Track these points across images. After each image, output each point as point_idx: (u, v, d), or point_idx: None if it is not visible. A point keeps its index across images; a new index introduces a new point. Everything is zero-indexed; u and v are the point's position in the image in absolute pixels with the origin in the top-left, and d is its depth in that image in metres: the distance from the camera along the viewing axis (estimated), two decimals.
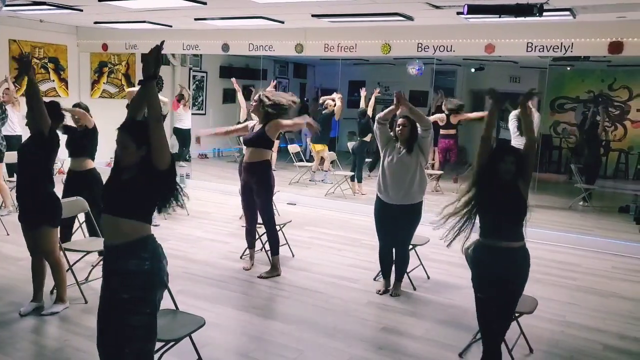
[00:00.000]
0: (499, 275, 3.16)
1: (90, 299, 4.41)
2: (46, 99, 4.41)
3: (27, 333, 3.88)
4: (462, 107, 10.08)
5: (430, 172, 10.12)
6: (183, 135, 11.95)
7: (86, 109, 5.45)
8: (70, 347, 3.69)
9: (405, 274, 5.00)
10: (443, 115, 10.06)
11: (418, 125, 4.65)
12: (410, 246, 5.11)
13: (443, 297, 4.90)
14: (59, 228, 4.25)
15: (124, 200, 2.70)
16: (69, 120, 5.13)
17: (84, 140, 5.22)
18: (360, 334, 4.09)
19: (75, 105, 5.39)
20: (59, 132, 4.49)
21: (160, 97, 8.17)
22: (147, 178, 2.69)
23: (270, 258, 5.33)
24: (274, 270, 5.27)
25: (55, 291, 4.32)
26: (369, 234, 6.64)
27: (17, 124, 8.08)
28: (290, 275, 5.34)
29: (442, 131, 10.00)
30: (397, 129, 4.66)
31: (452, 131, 10.00)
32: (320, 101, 10.51)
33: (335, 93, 10.34)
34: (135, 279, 2.64)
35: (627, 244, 6.72)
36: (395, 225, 4.74)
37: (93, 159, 5.33)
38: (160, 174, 2.69)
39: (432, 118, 10.13)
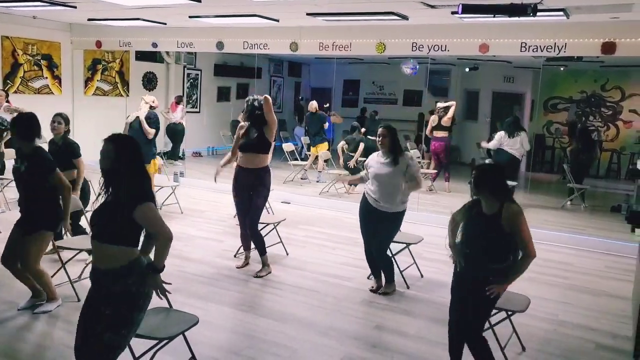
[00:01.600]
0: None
1: (83, 296, 4.36)
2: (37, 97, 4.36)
3: (20, 331, 3.86)
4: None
5: (425, 172, 10.16)
6: (175, 132, 11.92)
7: (67, 120, 5.32)
8: (63, 344, 3.67)
9: (400, 273, 5.01)
10: (435, 116, 10.08)
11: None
12: (404, 245, 5.13)
13: (436, 296, 4.92)
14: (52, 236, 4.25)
15: (110, 228, 2.73)
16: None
17: (67, 150, 5.15)
18: (353, 332, 4.10)
19: (56, 116, 5.28)
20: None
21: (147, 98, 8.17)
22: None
23: (260, 258, 5.33)
24: (267, 268, 5.28)
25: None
26: None
27: None
28: (284, 273, 5.34)
29: (434, 133, 10.01)
30: (378, 139, 4.71)
31: (444, 134, 9.98)
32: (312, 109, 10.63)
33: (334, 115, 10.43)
34: (120, 298, 2.71)
35: (619, 243, 6.76)
36: (376, 227, 4.78)
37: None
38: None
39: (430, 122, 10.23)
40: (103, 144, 2.78)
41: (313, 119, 10.52)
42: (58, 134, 5.23)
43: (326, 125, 10.56)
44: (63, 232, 4.63)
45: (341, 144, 9.87)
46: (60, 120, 5.23)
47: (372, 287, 4.94)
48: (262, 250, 5.32)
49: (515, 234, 3.15)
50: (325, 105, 14.34)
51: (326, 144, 10.36)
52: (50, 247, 4.52)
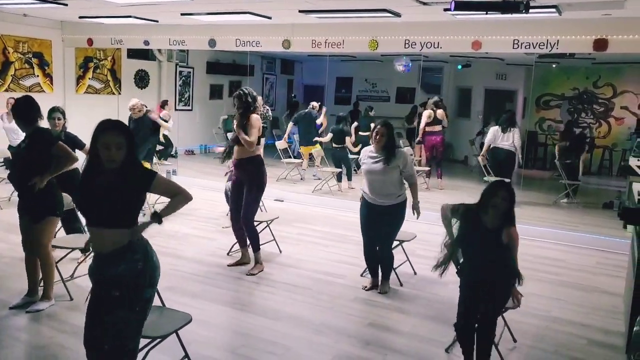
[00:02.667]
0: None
1: (76, 296, 4.38)
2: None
3: (13, 330, 3.84)
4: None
5: (418, 169, 10.17)
6: (166, 137, 11.84)
7: (64, 113, 5.31)
8: (56, 344, 3.66)
9: (393, 270, 5.01)
10: (429, 111, 10.09)
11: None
12: (397, 242, 5.13)
13: (429, 293, 4.93)
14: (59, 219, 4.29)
15: (108, 211, 2.66)
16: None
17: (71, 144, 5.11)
18: (347, 329, 4.10)
19: (53, 110, 5.26)
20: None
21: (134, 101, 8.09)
22: (129, 185, 2.66)
23: (253, 254, 5.32)
24: (259, 266, 5.27)
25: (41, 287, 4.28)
26: (356, 230, 6.63)
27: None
28: (277, 271, 5.34)
29: (427, 128, 10.02)
30: (374, 136, 4.63)
31: (438, 127, 10.01)
32: (312, 107, 10.56)
33: (324, 107, 10.36)
34: (127, 278, 2.65)
35: (611, 239, 6.80)
36: (380, 222, 4.76)
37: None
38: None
39: (423, 117, 10.25)
40: (109, 134, 2.63)
41: (305, 117, 10.46)
42: (58, 129, 5.20)
43: (319, 120, 10.51)
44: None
45: (328, 137, 9.84)
46: (59, 115, 5.27)
47: (366, 285, 4.94)
48: (256, 247, 5.31)
49: (510, 248, 3.37)
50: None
51: (317, 145, 10.29)
52: None
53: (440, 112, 10.00)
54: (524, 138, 12.51)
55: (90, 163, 2.73)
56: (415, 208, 4.82)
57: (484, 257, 3.38)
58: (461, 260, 3.65)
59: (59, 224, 4.67)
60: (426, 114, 10.18)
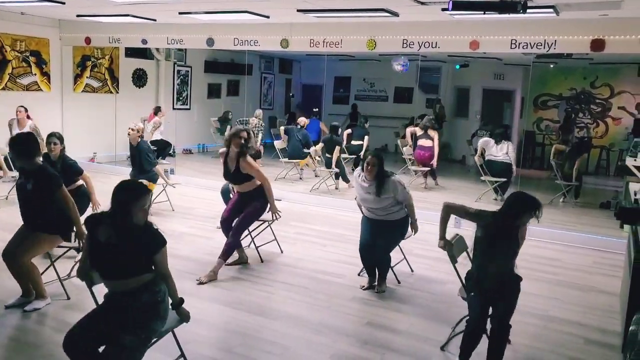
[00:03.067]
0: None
1: (72, 295, 4.37)
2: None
3: (9, 329, 3.83)
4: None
5: (416, 169, 10.18)
6: (161, 145, 11.83)
7: (61, 138, 5.34)
8: (52, 343, 3.65)
9: (390, 269, 5.02)
10: (412, 129, 10.36)
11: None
12: None
13: (426, 292, 4.94)
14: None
15: (130, 268, 2.85)
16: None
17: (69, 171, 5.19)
18: (345, 329, 4.10)
19: (50, 135, 5.25)
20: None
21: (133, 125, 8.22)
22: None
23: (216, 261, 5.08)
24: (212, 275, 4.97)
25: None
26: (354, 230, 6.65)
27: None
28: (275, 270, 5.34)
29: (418, 142, 10.02)
30: (366, 166, 4.68)
31: (428, 143, 9.92)
32: (301, 123, 10.69)
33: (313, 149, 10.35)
34: (145, 305, 2.80)
35: (608, 239, 6.82)
36: (380, 233, 4.80)
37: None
38: None
39: (408, 131, 10.38)
40: (145, 198, 2.87)
41: (293, 133, 10.41)
42: (55, 154, 5.19)
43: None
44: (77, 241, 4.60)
45: (319, 147, 9.86)
46: (56, 140, 5.23)
47: (364, 285, 4.94)
48: (226, 256, 5.13)
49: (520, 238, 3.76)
50: (314, 110, 14.46)
51: (307, 157, 10.28)
52: None
53: (432, 132, 9.91)
54: (521, 137, 12.59)
55: (101, 215, 2.92)
56: (413, 226, 4.91)
57: (502, 263, 3.57)
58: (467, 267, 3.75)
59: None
60: (408, 132, 10.32)
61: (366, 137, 10.53)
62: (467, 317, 3.60)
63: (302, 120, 10.78)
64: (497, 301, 3.47)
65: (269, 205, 5.31)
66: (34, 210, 4.13)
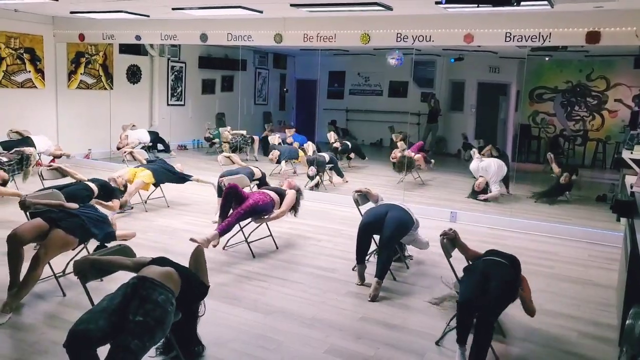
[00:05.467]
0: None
1: (67, 291, 4.36)
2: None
3: (4, 326, 3.81)
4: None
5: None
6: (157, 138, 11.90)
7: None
8: (47, 340, 3.64)
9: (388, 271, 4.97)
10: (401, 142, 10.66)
11: None
12: None
13: (421, 287, 4.93)
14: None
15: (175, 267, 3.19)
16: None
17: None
18: (339, 323, 4.10)
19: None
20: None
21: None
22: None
23: (213, 233, 5.16)
24: (205, 242, 4.96)
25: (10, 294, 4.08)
26: (348, 225, 6.66)
27: None
28: (269, 266, 5.33)
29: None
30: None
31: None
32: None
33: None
34: (155, 311, 2.82)
35: (604, 232, 6.82)
36: (386, 221, 4.79)
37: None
38: None
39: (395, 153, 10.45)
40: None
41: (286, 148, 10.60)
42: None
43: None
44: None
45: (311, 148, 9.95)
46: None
47: (357, 283, 4.91)
48: (223, 232, 5.26)
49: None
50: (284, 89, 14.50)
51: (301, 155, 10.28)
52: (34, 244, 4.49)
53: (418, 157, 9.92)
54: (517, 130, 12.58)
55: None
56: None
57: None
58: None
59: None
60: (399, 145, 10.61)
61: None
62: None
63: (290, 140, 11.03)
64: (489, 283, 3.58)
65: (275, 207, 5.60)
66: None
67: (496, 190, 8.61)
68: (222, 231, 5.23)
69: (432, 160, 10.45)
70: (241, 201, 5.45)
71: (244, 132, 11.89)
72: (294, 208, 5.82)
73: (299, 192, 5.87)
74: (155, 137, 11.73)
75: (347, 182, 9.62)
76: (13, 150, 7.65)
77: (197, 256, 3.46)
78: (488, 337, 3.41)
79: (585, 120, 13.62)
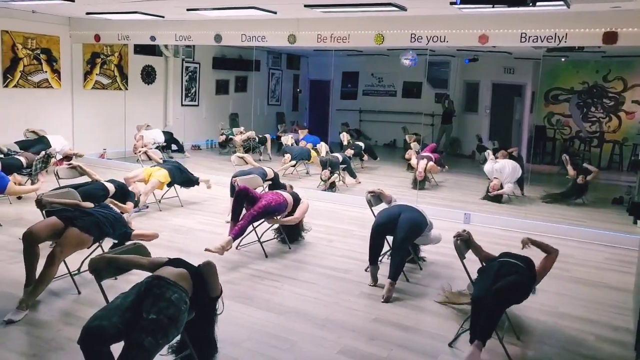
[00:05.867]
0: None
1: (82, 289, 4.40)
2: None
3: (20, 323, 3.85)
4: None
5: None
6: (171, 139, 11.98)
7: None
8: (63, 337, 3.67)
9: (402, 272, 4.95)
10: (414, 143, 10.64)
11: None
12: None
13: (434, 289, 4.89)
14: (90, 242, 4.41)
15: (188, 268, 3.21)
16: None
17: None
18: (351, 324, 4.08)
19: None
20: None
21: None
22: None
23: (228, 238, 5.20)
24: (220, 250, 5.05)
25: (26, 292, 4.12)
26: (361, 225, 6.65)
27: None
28: (282, 266, 5.33)
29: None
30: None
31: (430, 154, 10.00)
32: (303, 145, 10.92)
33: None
34: (169, 309, 2.84)
35: (620, 235, 6.73)
36: (399, 222, 4.79)
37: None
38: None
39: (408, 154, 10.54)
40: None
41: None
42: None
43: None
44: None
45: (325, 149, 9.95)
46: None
47: (370, 284, 4.89)
48: (238, 236, 5.31)
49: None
50: (298, 90, 14.52)
51: (314, 155, 10.27)
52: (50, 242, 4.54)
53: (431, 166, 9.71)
54: (531, 132, 12.48)
55: None
56: None
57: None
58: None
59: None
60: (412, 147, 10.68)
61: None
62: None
63: (303, 143, 11.00)
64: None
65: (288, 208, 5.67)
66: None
67: (509, 187, 8.54)
68: (236, 235, 5.26)
69: (446, 166, 10.36)
70: (253, 202, 5.47)
71: (250, 134, 11.90)
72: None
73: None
74: (169, 138, 11.81)
75: (359, 182, 9.60)
76: (38, 157, 7.63)
77: (209, 275, 3.29)
78: (491, 322, 3.46)
79: (601, 122, 13.45)
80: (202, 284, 3.16)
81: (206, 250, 4.94)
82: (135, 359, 2.67)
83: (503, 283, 3.59)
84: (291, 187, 6.47)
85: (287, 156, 10.06)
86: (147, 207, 7.22)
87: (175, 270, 3.11)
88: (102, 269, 3.21)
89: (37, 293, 4.11)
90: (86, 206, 4.65)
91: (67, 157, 8.72)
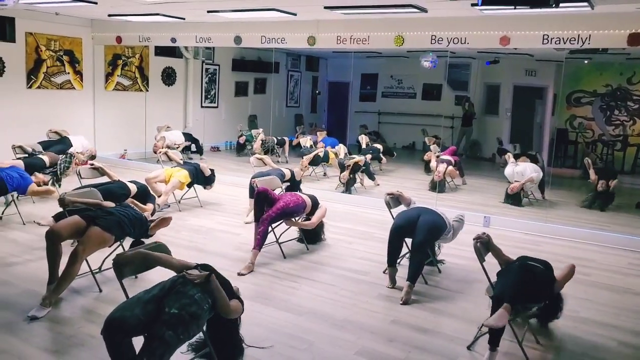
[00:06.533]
0: None
1: (104, 287, 4.46)
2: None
3: (43, 320, 3.92)
4: None
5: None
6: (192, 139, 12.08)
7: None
8: (84, 333, 3.73)
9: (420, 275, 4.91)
10: (434, 146, 10.61)
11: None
12: None
13: (454, 292, 4.86)
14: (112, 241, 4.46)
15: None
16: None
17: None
18: (370, 326, 4.07)
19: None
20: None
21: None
22: None
23: (252, 252, 5.26)
24: (251, 266, 5.15)
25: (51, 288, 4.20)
26: (379, 227, 6.63)
27: None
28: (300, 267, 5.34)
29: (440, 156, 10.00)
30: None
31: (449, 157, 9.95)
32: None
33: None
34: (191, 306, 2.89)
35: None
36: (418, 224, 4.77)
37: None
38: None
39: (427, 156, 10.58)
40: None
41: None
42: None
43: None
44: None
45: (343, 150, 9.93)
46: None
47: (388, 285, 4.87)
48: (260, 245, 5.30)
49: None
50: (317, 92, 14.49)
51: (332, 157, 10.25)
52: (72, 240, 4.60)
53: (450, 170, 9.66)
54: (553, 135, 12.32)
55: None
56: None
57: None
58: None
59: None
60: (432, 149, 10.70)
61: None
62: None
63: (321, 145, 10.95)
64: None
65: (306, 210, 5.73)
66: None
67: (530, 176, 8.49)
68: (260, 245, 5.27)
69: (465, 181, 10.26)
70: (272, 203, 5.49)
71: (261, 135, 11.97)
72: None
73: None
74: (189, 139, 11.91)
75: (378, 185, 9.56)
76: (62, 157, 7.77)
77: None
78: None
79: (625, 125, 13.21)
80: (228, 290, 3.18)
81: (239, 274, 4.99)
82: (156, 351, 2.70)
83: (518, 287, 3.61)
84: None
85: (305, 161, 10.05)
86: (169, 206, 7.30)
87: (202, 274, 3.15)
88: (136, 264, 3.32)
89: (60, 291, 4.17)
90: (108, 206, 4.71)
91: (92, 157, 8.86)
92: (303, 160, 9.03)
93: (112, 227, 4.37)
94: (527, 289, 3.61)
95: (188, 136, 11.84)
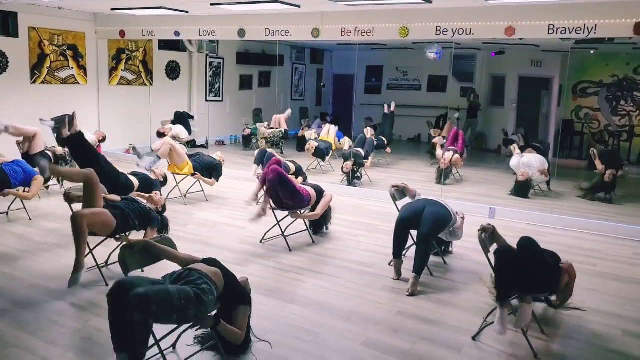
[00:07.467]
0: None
1: (110, 281, 4.48)
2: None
3: (51, 314, 3.95)
4: None
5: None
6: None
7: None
8: (91, 327, 3.75)
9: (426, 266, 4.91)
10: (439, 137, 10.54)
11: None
12: None
13: (458, 283, 4.87)
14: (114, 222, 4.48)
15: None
16: None
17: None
18: (375, 317, 4.08)
19: None
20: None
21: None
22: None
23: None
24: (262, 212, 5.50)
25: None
26: (384, 220, 6.63)
27: None
28: (306, 259, 5.35)
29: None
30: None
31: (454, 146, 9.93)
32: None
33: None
34: (197, 288, 2.98)
35: None
36: (424, 216, 4.76)
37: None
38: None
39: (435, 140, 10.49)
40: None
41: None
42: None
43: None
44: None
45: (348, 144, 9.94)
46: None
47: (394, 277, 4.88)
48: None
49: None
50: (321, 84, 14.43)
51: (335, 143, 10.30)
52: None
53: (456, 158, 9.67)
54: (559, 126, 12.26)
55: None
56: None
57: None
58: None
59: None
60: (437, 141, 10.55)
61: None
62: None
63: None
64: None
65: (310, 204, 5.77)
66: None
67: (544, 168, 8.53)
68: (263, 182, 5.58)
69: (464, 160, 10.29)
70: (285, 183, 5.54)
71: (263, 130, 12.02)
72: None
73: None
74: (179, 117, 11.91)
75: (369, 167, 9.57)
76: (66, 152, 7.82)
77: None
78: None
79: (631, 116, 13.13)
80: (232, 285, 3.20)
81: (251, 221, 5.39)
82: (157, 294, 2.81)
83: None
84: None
85: (312, 142, 10.05)
86: (160, 158, 7.43)
87: (209, 267, 3.21)
88: (141, 255, 3.34)
89: (81, 255, 4.26)
90: (113, 199, 4.73)
91: (102, 140, 8.99)
92: (347, 164, 8.93)
93: (117, 216, 4.44)
94: (535, 280, 3.61)
95: (179, 115, 11.71)
